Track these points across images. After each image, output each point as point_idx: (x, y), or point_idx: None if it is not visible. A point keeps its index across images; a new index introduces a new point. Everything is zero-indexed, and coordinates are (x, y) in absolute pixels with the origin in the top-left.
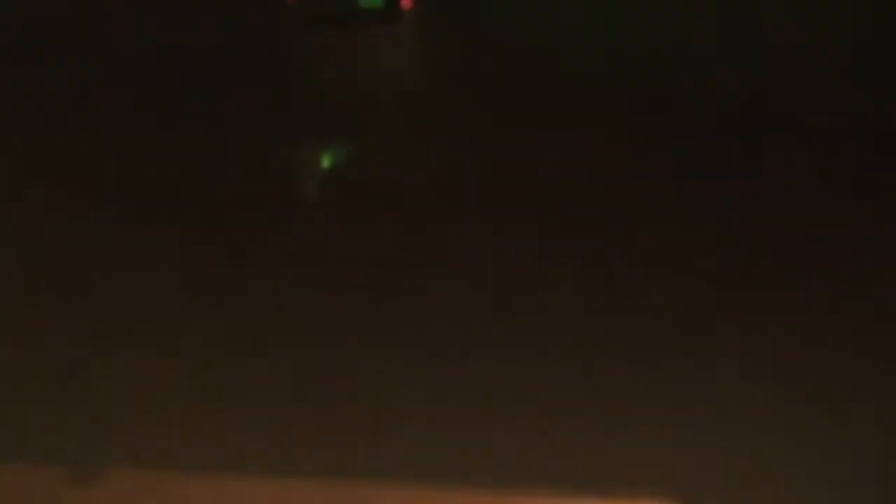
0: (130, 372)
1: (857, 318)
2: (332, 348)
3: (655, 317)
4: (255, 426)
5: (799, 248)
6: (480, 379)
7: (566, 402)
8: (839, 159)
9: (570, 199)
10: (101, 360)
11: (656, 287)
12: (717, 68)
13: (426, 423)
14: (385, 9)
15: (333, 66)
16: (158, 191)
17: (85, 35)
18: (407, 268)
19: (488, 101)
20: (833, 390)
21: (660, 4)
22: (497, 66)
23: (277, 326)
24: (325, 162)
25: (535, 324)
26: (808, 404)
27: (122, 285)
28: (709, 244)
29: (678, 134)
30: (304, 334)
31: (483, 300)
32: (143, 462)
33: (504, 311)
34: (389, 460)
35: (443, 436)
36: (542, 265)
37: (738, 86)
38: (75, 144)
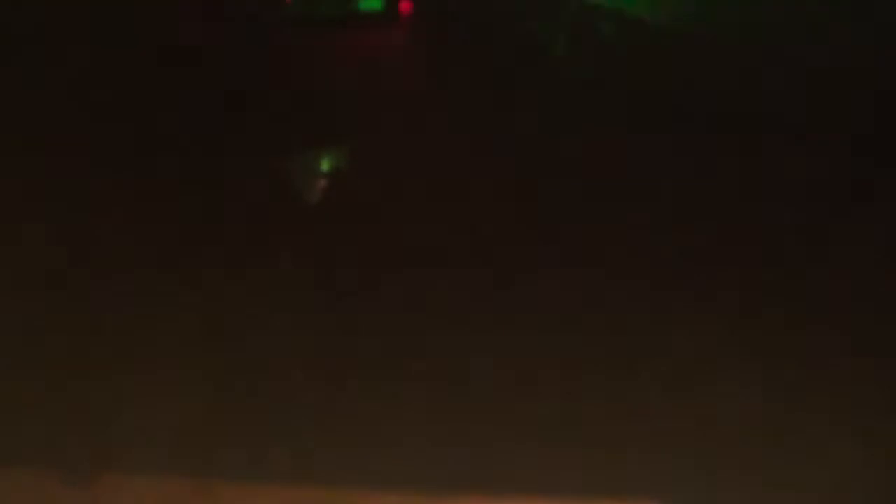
0: (128, 378)
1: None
2: (332, 349)
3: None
4: (253, 431)
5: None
6: (480, 383)
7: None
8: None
9: (570, 198)
10: (100, 365)
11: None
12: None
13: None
14: (384, 11)
15: (332, 67)
16: (155, 189)
17: (82, 36)
18: (406, 268)
19: (487, 100)
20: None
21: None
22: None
23: (273, 335)
24: (324, 163)
25: (534, 325)
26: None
27: (121, 286)
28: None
29: (675, 133)
30: (301, 336)
31: (482, 300)
32: (141, 466)
33: (503, 312)
34: (386, 467)
35: (438, 442)
36: (540, 265)
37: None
38: (75, 142)
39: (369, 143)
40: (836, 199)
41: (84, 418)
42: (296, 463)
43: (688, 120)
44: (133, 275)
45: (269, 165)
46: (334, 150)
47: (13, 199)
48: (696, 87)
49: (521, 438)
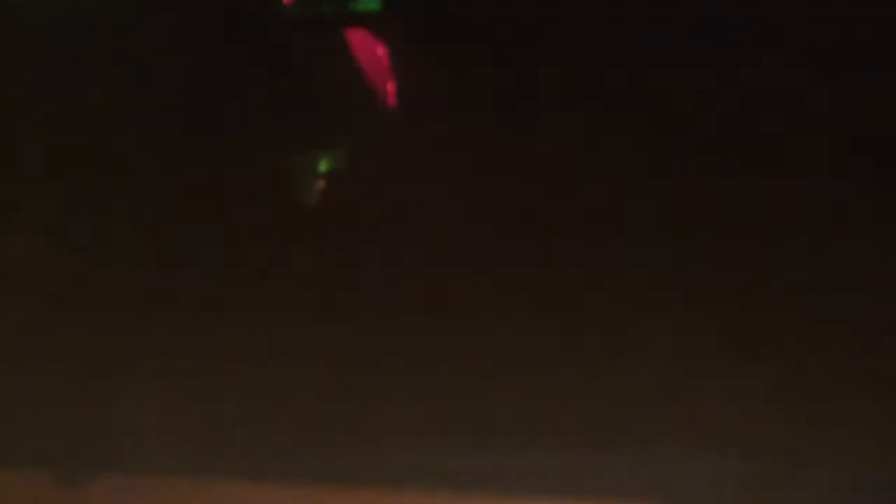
0: (128, 375)
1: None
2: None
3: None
4: (252, 429)
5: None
6: (479, 382)
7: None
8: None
9: (569, 198)
10: (98, 363)
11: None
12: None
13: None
14: (383, 13)
15: (330, 69)
16: (152, 193)
17: (79, 37)
18: (406, 269)
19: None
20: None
21: None
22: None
23: (272, 330)
24: (323, 165)
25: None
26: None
27: (119, 288)
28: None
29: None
30: (298, 338)
31: (482, 301)
32: (139, 467)
33: (504, 312)
34: (383, 466)
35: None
36: (539, 264)
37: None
38: (69, 146)
39: (366, 146)
40: None
41: (84, 418)
42: (297, 462)
43: None
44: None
45: (266, 167)
46: (332, 151)
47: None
48: None
49: (522, 437)
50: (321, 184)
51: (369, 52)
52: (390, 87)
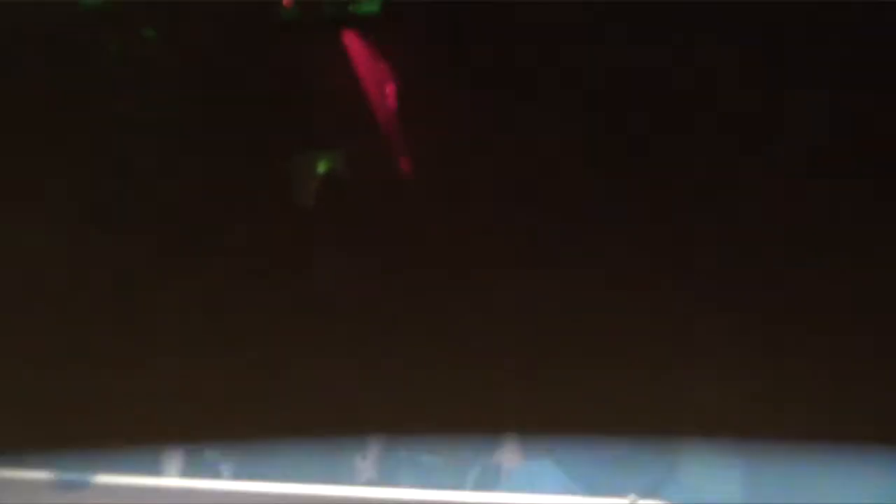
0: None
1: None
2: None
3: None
4: (245, 432)
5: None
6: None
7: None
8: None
9: (568, 196)
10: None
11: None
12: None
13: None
14: (382, 15)
15: (329, 71)
16: (151, 196)
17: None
18: (404, 270)
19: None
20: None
21: None
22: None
23: (267, 335)
24: (322, 168)
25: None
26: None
27: (118, 290)
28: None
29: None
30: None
31: (480, 302)
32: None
33: (503, 314)
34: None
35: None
36: (537, 265)
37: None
38: (66, 149)
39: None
40: None
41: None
42: (299, 464)
43: None
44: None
45: (265, 171)
46: (331, 152)
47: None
48: None
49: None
50: (320, 185)
51: (369, 54)
52: (390, 89)
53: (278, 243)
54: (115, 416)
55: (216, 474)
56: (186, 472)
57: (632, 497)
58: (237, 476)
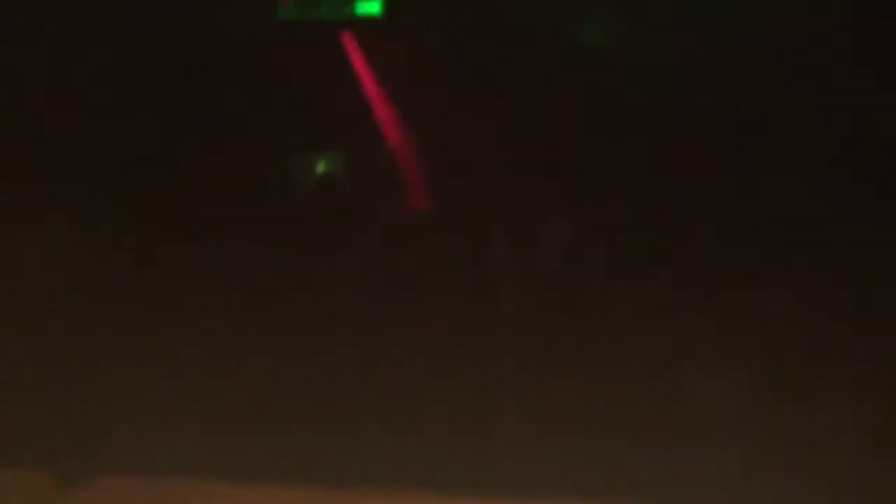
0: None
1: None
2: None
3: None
4: (245, 432)
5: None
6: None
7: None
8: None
9: (568, 198)
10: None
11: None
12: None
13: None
14: (383, 17)
15: (328, 73)
16: (154, 193)
17: (79, 44)
18: (403, 271)
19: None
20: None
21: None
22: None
23: (271, 334)
24: (321, 166)
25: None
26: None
27: (118, 290)
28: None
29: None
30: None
31: (478, 303)
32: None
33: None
34: (381, 467)
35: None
36: (537, 265)
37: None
38: (68, 151)
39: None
40: None
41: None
42: (299, 464)
43: None
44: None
45: (265, 169)
46: (330, 152)
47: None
48: None
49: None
50: (318, 185)
51: (370, 54)
52: (390, 90)
53: (278, 243)
54: (114, 416)
55: (216, 474)
56: (186, 472)
57: (630, 497)
58: (237, 475)
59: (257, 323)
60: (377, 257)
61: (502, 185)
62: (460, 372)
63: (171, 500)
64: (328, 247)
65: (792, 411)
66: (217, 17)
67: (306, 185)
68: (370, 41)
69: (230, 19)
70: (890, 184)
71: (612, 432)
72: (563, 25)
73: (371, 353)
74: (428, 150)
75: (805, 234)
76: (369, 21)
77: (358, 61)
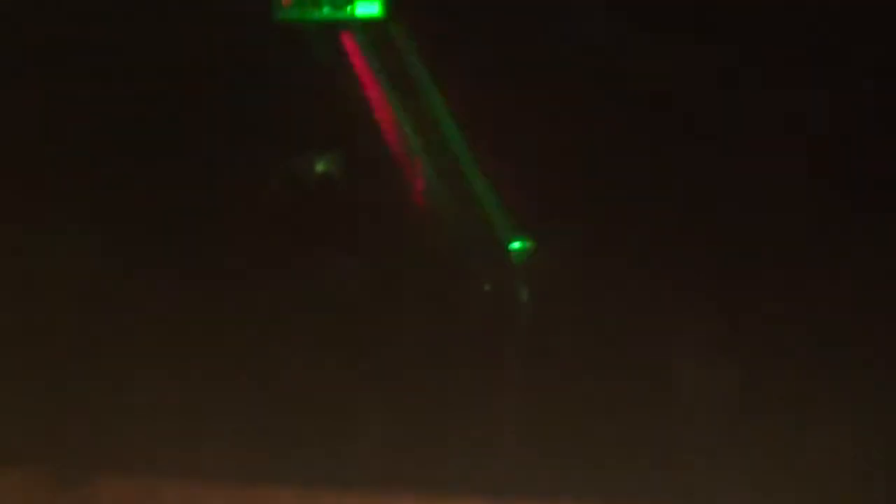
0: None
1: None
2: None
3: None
4: (238, 436)
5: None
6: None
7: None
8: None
9: (569, 197)
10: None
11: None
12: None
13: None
14: (382, 18)
15: (328, 74)
16: (154, 198)
17: (80, 47)
18: (402, 271)
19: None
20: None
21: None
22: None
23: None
24: (320, 167)
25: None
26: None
27: (118, 290)
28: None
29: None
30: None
31: (473, 308)
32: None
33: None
34: (380, 466)
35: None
36: (536, 265)
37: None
38: (72, 154)
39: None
40: None
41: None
42: (299, 463)
43: None
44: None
45: (265, 171)
46: (329, 153)
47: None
48: None
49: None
50: (316, 186)
51: (369, 54)
52: (389, 90)
53: (277, 242)
54: (113, 416)
55: (215, 474)
56: (185, 472)
57: (629, 497)
58: (236, 475)
59: (257, 323)
60: (377, 256)
61: (503, 184)
62: (460, 371)
63: (171, 500)
64: (329, 246)
65: (791, 412)
66: (217, 17)
67: (306, 185)
68: (370, 41)
69: (230, 19)
70: (890, 183)
71: (609, 434)
72: (565, 24)
73: (369, 352)
74: (427, 149)
75: (805, 233)
76: (369, 21)
77: (358, 61)
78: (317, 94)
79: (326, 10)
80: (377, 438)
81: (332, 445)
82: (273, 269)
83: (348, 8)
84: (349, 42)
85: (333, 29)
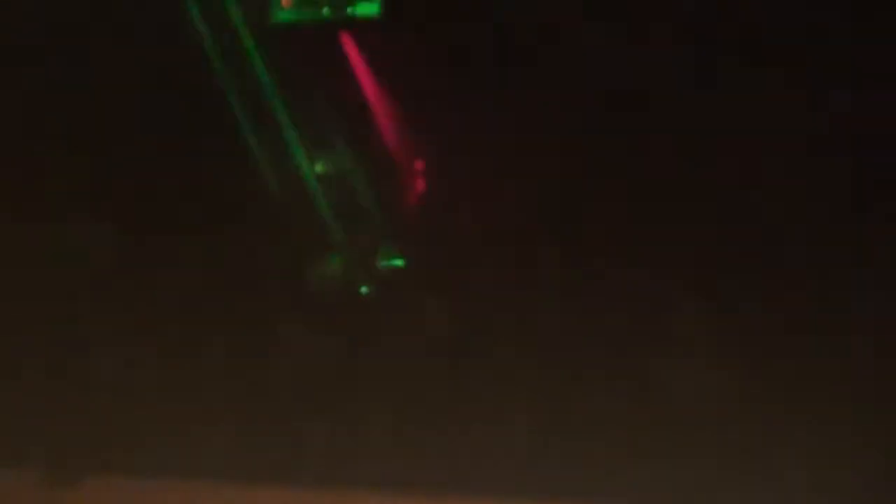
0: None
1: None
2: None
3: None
4: (244, 432)
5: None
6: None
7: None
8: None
9: (568, 198)
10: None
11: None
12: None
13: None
14: (381, 17)
15: (327, 73)
16: (154, 193)
17: (81, 49)
18: (401, 274)
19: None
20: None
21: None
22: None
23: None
24: (319, 167)
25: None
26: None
27: (118, 290)
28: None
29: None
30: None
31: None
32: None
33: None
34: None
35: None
36: (537, 265)
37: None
38: (66, 150)
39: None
40: None
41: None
42: (297, 463)
43: None
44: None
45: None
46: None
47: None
48: None
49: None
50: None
51: (369, 54)
52: (389, 90)
53: (277, 241)
54: (112, 415)
55: (214, 473)
56: (185, 472)
57: (627, 498)
58: (236, 475)
59: (257, 322)
60: (377, 253)
61: (503, 184)
62: (458, 371)
63: (172, 500)
64: (329, 245)
65: (788, 411)
66: (216, 17)
67: (306, 184)
68: (369, 41)
69: (230, 19)
70: (889, 183)
71: (605, 432)
72: (560, 25)
73: (370, 352)
74: (427, 148)
75: (803, 233)
76: (368, 21)
77: (357, 61)
78: (317, 95)
79: (326, 11)
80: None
81: (331, 444)
82: (272, 266)
83: (348, 8)
84: (349, 42)
85: (333, 29)
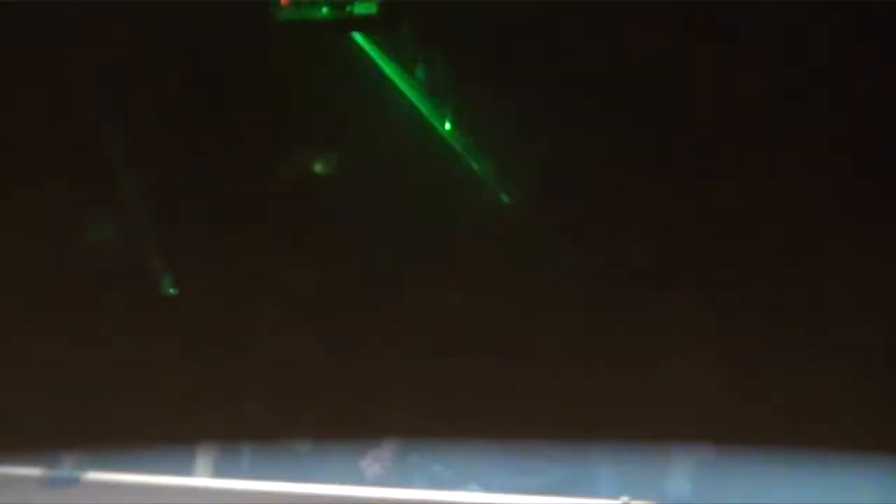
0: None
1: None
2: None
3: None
4: (245, 432)
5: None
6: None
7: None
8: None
9: (568, 200)
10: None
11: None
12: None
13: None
14: (380, 17)
15: (327, 73)
16: (154, 193)
17: (82, 47)
18: (400, 273)
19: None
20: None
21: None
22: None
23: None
24: (318, 167)
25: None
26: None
27: (118, 289)
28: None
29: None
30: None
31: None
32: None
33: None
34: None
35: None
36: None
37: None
38: (67, 150)
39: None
40: None
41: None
42: (292, 464)
43: None
44: None
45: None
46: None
47: None
48: None
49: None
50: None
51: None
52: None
53: (276, 241)
54: (110, 415)
55: (213, 473)
56: (184, 472)
57: (624, 498)
58: (235, 475)
59: (257, 323)
60: (376, 253)
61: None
62: (457, 370)
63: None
64: (329, 245)
65: (786, 406)
66: (216, 17)
67: (305, 184)
68: (368, 41)
69: (229, 19)
70: (888, 182)
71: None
72: (564, 26)
73: (368, 351)
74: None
75: (802, 232)
76: (367, 21)
77: (356, 61)
78: (317, 95)
79: (326, 10)
80: None
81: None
82: (273, 266)
83: (347, 8)
84: (348, 42)
85: (333, 29)
